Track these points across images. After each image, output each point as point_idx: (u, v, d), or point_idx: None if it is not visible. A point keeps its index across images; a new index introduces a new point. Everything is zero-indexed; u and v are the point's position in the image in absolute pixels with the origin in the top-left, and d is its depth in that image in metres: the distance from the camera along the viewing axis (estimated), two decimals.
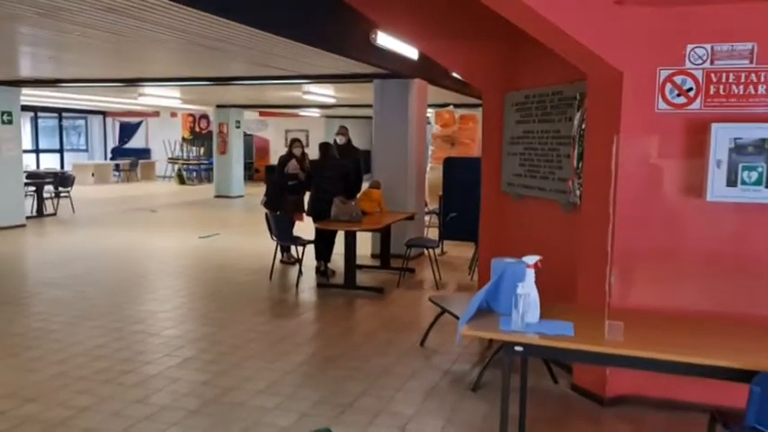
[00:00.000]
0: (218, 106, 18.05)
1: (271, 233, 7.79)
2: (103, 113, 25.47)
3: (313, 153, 8.56)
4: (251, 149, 24.14)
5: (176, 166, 23.74)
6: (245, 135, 22.73)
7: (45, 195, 13.94)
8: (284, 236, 7.74)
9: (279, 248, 8.25)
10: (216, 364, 4.84)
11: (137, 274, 8.18)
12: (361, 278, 7.83)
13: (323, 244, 7.91)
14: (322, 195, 7.72)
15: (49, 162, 23.11)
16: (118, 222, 13.05)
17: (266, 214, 7.87)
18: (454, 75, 10.21)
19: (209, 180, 20.33)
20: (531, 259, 3.06)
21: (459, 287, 7.63)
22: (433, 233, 10.36)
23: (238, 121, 18.58)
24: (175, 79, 10.69)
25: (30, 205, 13.38)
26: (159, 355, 4.99)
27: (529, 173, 5.39)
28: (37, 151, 23.53)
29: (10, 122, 11.76)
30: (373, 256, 9.08)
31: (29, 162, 22.21)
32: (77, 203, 15.15)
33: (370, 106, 9.66)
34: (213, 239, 10.86)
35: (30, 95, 16.44)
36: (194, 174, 23.65)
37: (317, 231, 7.68)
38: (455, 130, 12.63)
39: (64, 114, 24.20)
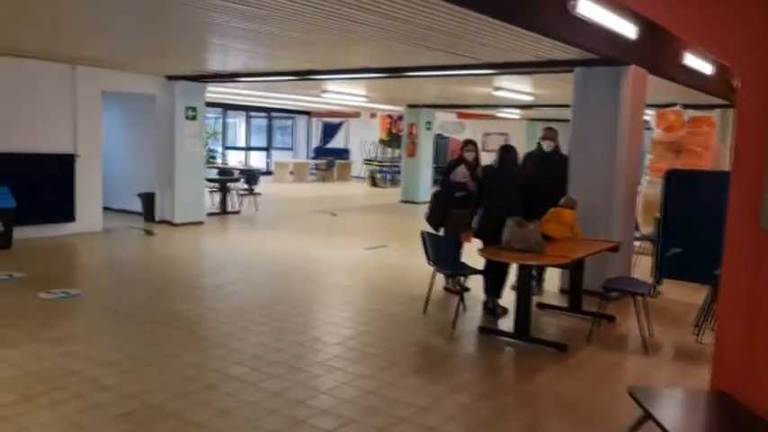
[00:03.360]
0: (409, 106, 16.98)
1: (427, 257, 6.20)
2: (308, 113, 25.98)
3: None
4: (445, 153, 22.88)
5: (370, 168, 23.30)
6: (440, 138, 21.52)
7: (237, 193, 14.01)
8: (444, 261, 6.09)
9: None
10: None
11: (278, 291, 7.08)
12: (541, 322, 6.00)
13: (491, 275, 6.17)
14: (494, 213, 6.01)
15: (257, 160, 24.08)
16: (293, 225, 12.46)
17: (422, 233, 6.26)
18: (686, 62, 7.86)
19: None
20: None
21: (677, 352, 5.46)
22: (644, 265, 8.10)
23: (429, 122, 17.32)
24: (349, 71, 9.62)
25: (216, 202, 13.39)
26: (241, 424, 3.70)
27: None
28: (247, 149, 24.68)
29: (194, 118, 11.58)
30: (562, 291, 7.12)
31: (241, 158, 23.35)
32: (270, 201, 15.13)
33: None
34: (378, 252, 9.62)
35: (241, 95, 16.83)
36: (387, 176, 23.02)
37: (487, 259, 5.97)
38: (682, 136, 10.07)
39: (273, 114, 25.12)
